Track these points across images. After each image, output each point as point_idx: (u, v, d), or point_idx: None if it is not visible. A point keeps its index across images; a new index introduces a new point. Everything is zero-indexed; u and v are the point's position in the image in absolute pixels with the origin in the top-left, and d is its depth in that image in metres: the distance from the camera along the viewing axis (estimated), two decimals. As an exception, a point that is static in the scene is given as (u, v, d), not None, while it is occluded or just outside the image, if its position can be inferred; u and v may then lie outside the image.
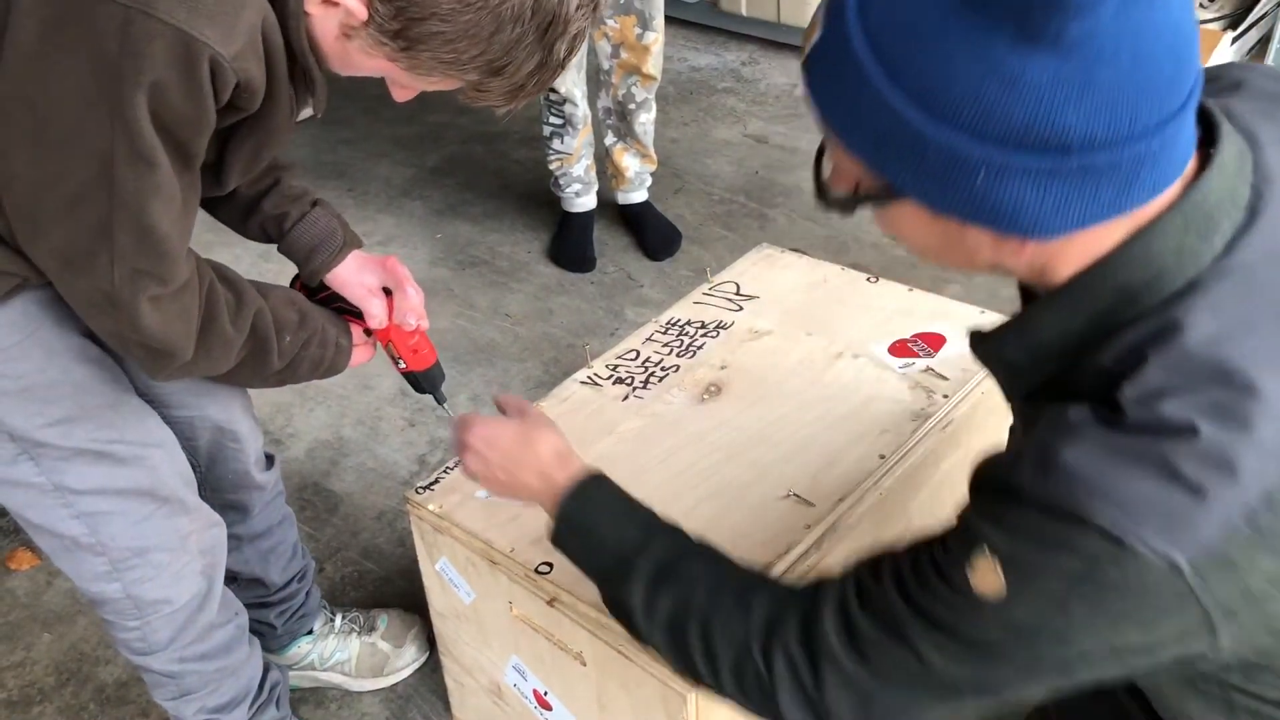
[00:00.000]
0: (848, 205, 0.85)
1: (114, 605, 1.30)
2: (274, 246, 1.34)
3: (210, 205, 1.26)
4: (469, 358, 2.40)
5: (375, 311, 1.34)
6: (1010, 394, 0.93)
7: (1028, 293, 0.93)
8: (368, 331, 1.38)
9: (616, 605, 1.04)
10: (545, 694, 1.38)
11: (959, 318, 1.60)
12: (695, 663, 0.96)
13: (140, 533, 1.26)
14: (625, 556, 1.02)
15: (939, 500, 1.53)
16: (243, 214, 1.32)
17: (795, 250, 1.83)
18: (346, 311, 1.36)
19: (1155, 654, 0.78)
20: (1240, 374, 0.73)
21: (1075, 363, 0.81)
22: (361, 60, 1.03)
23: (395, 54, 0.99)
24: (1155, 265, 0.77)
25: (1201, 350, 0.74)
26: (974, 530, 0.80)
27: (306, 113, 3.82)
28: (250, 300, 1.17)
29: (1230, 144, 0.80)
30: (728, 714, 1.24)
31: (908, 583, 0.84)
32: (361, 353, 1.39)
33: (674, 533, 1.05)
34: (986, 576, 0.77)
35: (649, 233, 2.74)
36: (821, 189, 0.87)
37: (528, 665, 1.38)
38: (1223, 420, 0.72)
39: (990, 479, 0.83)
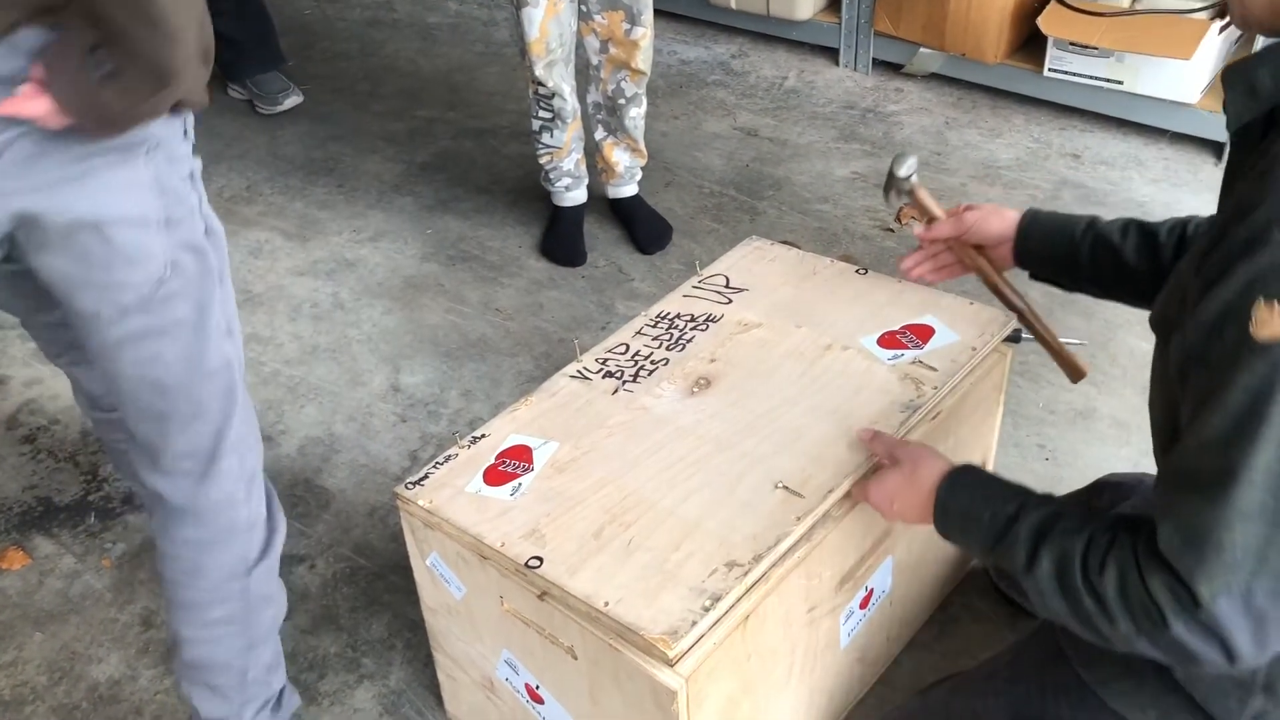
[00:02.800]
0: None
1: (234, 517, 1.36)
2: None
3: None
4: (460, 353, 2.40)
5: None
6: (1236, 119, 0.99)
7: None
8: None
9: (1006, 572, 1.12)
10: (537, 688, 1.38)
11: (947, 309, 1.61)
12: (1086, 608, 1.01)
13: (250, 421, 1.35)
14: (1001, 529, 1.10)
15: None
16: None
17: (786, 243, 1.83)
18: None
19: None
20: None
21: None
22: None
23: None
24: None
25: None
26: (1239, 292, 0.87)
27: (292, 101, 3.85)
28: None
29: None
30: (718, 707, 1.24)
31: (1201, 426, 0.91)
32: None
33: (1040, 501, 1.12)
34: (1267, 321, 0.85)
35: (640, 226, 2.74)
36: None
37: (519, 659, 1.38)
38: None
39: (1238, 238, 0.89)
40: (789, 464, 1.36)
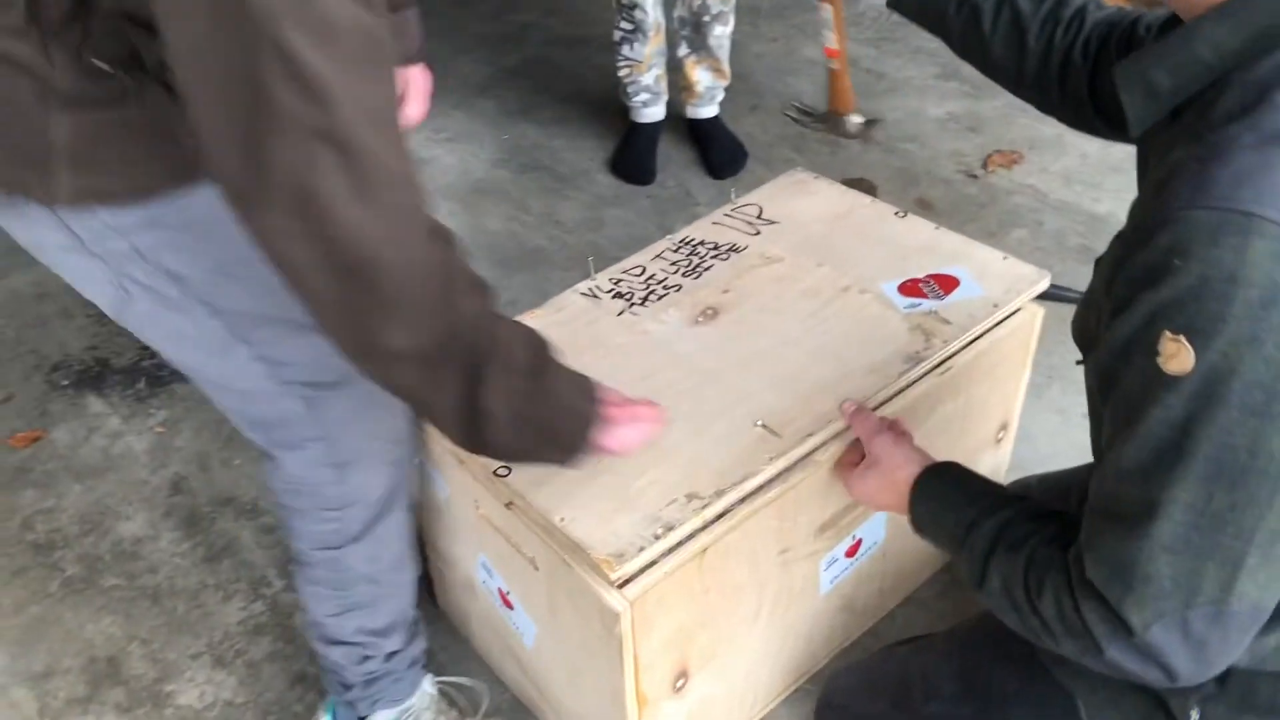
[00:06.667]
0: None
1: (321, 495, 1.27)
2: None
3: None
4: (514, 262, 2.41)
5: None
6: (1139, 123, 0.94)
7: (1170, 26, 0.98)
8: None
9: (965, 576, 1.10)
10: (508, 594, 1.41)
11: (979, 261, 1.54)
12: (1033, 626, 1.00)
13: (359, 416, 1.22)
14: (960, 538, 1.09)
15: (930, 445, 1.49)
16: None
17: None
18: None
19: None
20: None
21: (1222, 80, 0.84)
22: None
23: None
24: None
25: None
26: (1143, 322, 0.83)
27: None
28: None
29: None
30: (668, 635, 1.24)
31: (1118, 456, 0.87)
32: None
33: (998, 506, 1.09)
34: (1174, 353, 0.81)
35: (714, 149, 2.68)
36: None
37: (493, 565, 1.40)
38: None
39: (1133, 263, 0.85)
40: (775, 403, 1.33)
